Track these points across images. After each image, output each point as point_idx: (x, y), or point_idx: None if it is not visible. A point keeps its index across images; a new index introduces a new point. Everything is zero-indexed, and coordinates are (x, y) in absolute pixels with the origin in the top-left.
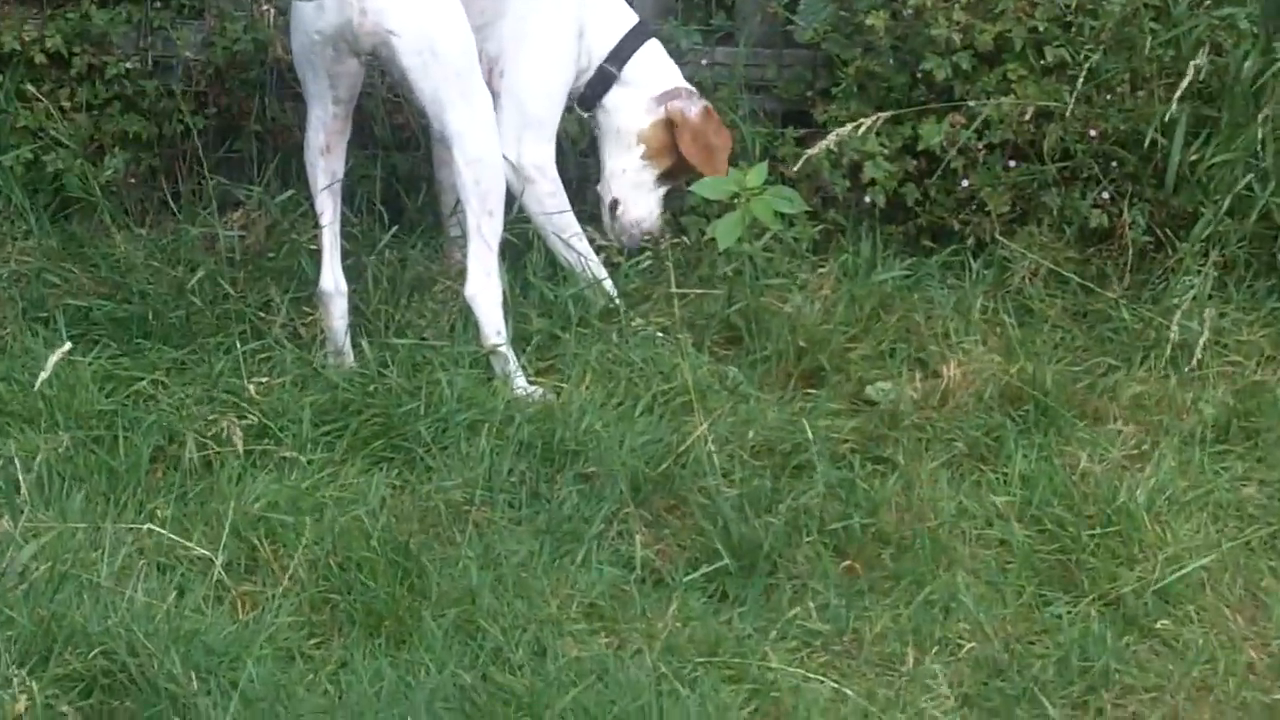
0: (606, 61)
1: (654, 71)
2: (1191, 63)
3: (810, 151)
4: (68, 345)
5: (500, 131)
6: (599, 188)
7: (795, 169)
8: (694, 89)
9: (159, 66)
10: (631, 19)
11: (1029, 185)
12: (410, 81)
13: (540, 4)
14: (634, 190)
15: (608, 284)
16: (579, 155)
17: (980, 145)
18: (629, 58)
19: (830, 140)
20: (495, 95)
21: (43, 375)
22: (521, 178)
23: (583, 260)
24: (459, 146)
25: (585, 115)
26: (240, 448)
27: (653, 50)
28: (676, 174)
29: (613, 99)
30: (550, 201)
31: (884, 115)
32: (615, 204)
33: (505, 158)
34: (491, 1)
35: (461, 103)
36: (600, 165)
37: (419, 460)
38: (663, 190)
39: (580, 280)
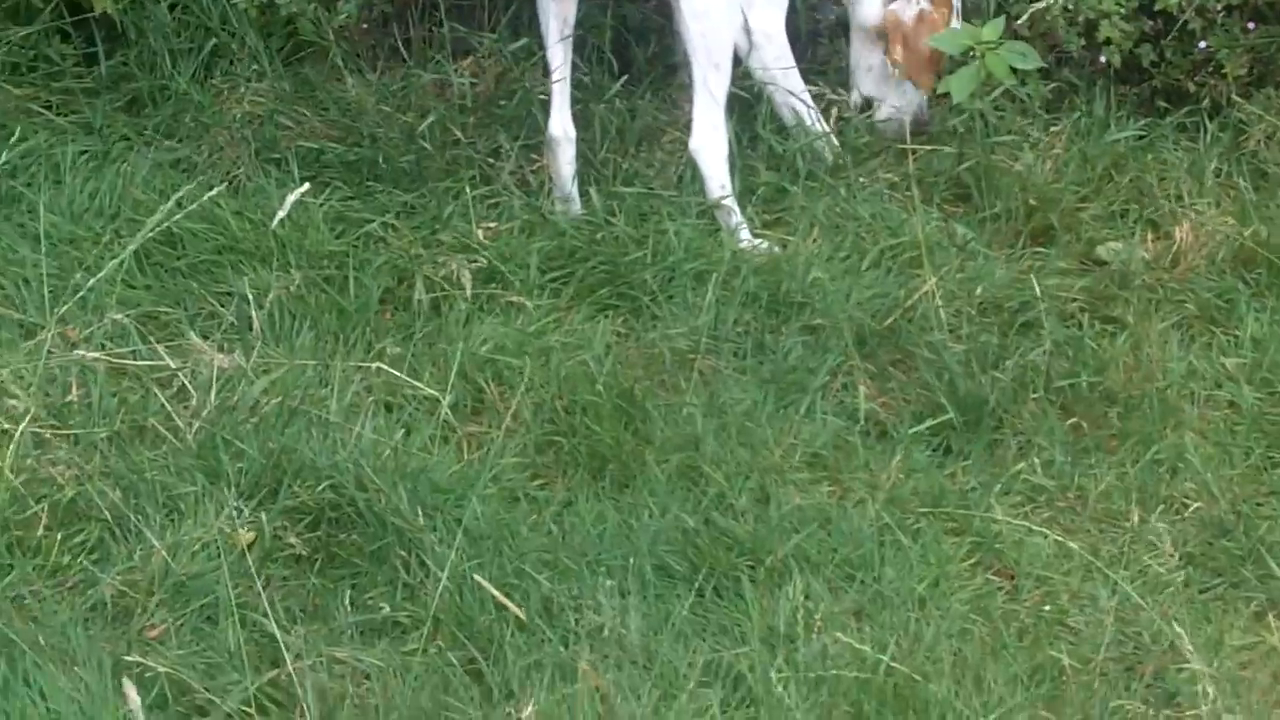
0: None
1: None
2: None
3: (1037, 5)
4: (305, 186)
5: None
6: (851, 84)
7: (1028, 25)
8: None
9: None
10: None
11: (1268, 48)
12: None
13: None
14: (882, 84)
15: (834, 141)
16: (811, 7)
17: (1219, 6)
18: None
19: None
20: None
21: (279, 214)
22: (750, 41)
23: (811, 116)
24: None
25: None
26: (469, 290)
27: None
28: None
29: None
30: (776, 66)
31: None
32: (868, 101)
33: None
34: None
35: None
36: (848, 58)
37: (644, 308)
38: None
39: (808, 136)
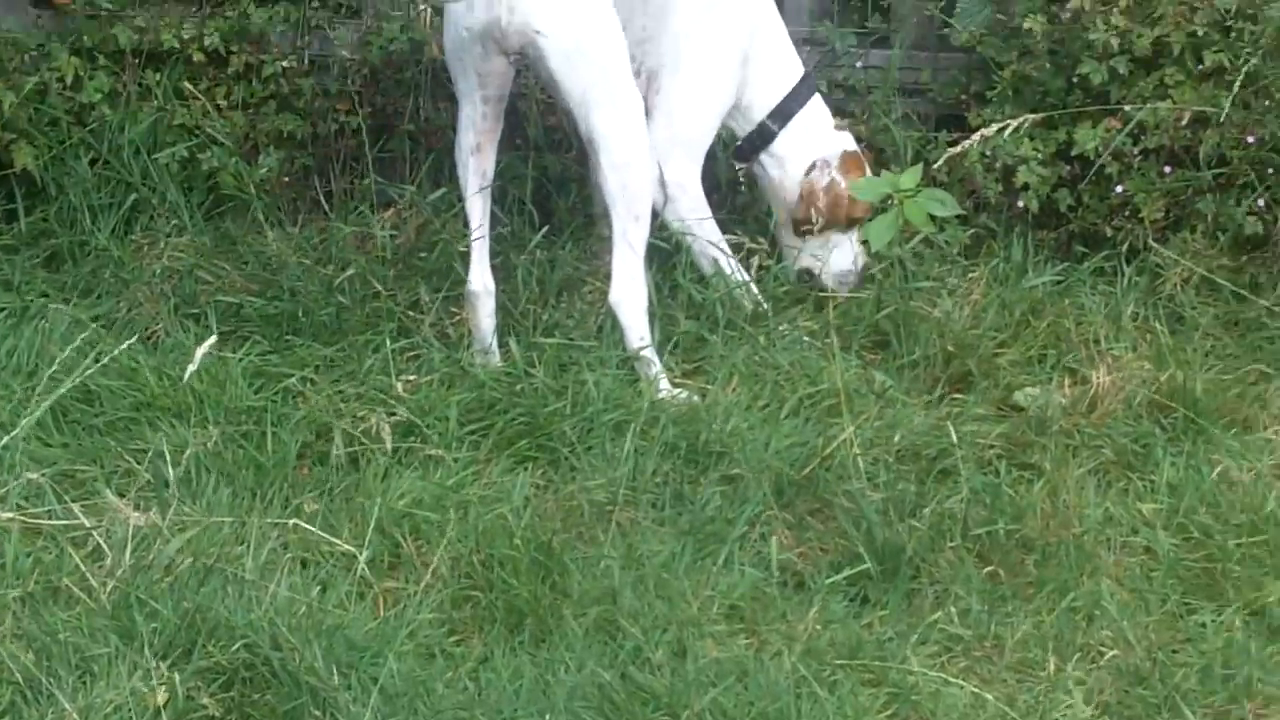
0: (769, 118)
1: (810, 138)
2: None
3: (953, 150)
4: (213, 338)
5: (653, 142)
6: (784, 258)
7: (946, 171)
8: (837, 145)
9: (315, 65)
10: (798, 71)
11: (1184, 191)
12: (558, 82)
13: (704, 25)
14: (819, 253)
15: (754, 289)
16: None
17: (1135, 151)
18: (792, 116)
19: (976, 139)
20: (649, 110)
21: (191, 368)
22: (665, 194)
23: (729, 265)
24: (605, 150)
25: (739, 166)
26: (388, 445)
27: (815, 108)
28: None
29: (770, 160)
30: (692, 218)
31: (1033, 116)
32: (807, 273)
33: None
34: (653, 18)
35: (609, 105)
36: (774, 230)
37: (563, 460)
38: (853, 231)
39: (726, 285)
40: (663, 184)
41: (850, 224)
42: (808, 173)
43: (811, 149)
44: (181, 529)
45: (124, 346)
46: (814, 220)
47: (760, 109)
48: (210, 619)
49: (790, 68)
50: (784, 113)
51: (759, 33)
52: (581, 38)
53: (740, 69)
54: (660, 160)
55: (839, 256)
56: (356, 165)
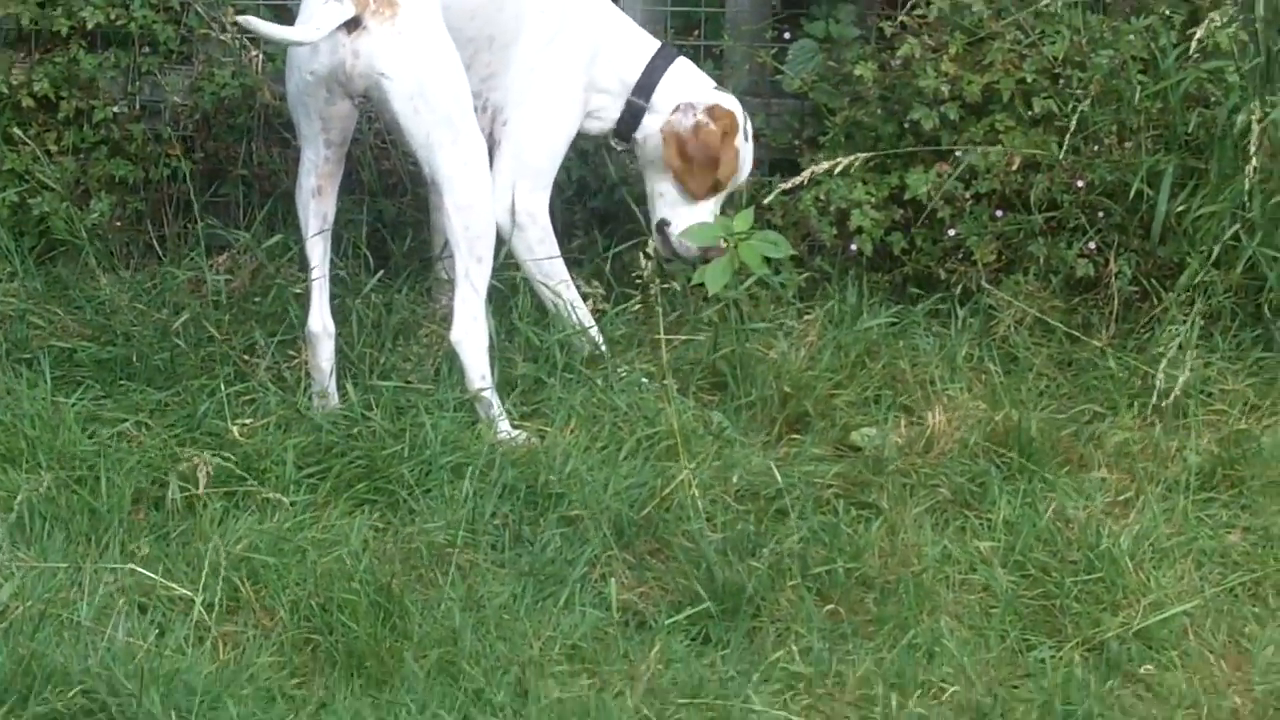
0: (634, 94)
1: (677, 92)
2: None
3: (785, 185)
4: None
5: (496, 174)
6: (648, 210)
7: (780, 215)
8: (711, 99)
9: (146, 111)
10: (652, 46)
11: (1015, 235)
12: (401, 125)
13: (546, 58)
14: (675, 208)
15: (594, 331)
16: (567, 201)
17: (967, 194)
18: (655, 85)
19: (806, 176)
20: (496, 142)
21: None
22: (513, 223)
23: (569, 306)
24: (449, 192)
25: (621, 148)
26: (201, 488)
27: (679, 71)
28: (723, 182)
29: (644, 128)
30: (539, 248)
31: (864, 155)
32: (663, 224)
33: (498, 201)
34: (497, 54)
35: (452, 147)
36: (645, 193)
37: (402, 503)
38: (712, 200)
39: (566, 326)
40: (512, 213)
41: (715, 188)
42: (672, 113)
43: (679, 98)
44: (14, 575)
45: None
46: (681, 165)
47: (623, 90)
48: (46, 665)
49: (640, 46)
50: (646, 85)
51: (602, 47)
52: (425, 80)
53: (584, 95)
54: (507, 190)
55: (696, 214)
56: (189, 210)
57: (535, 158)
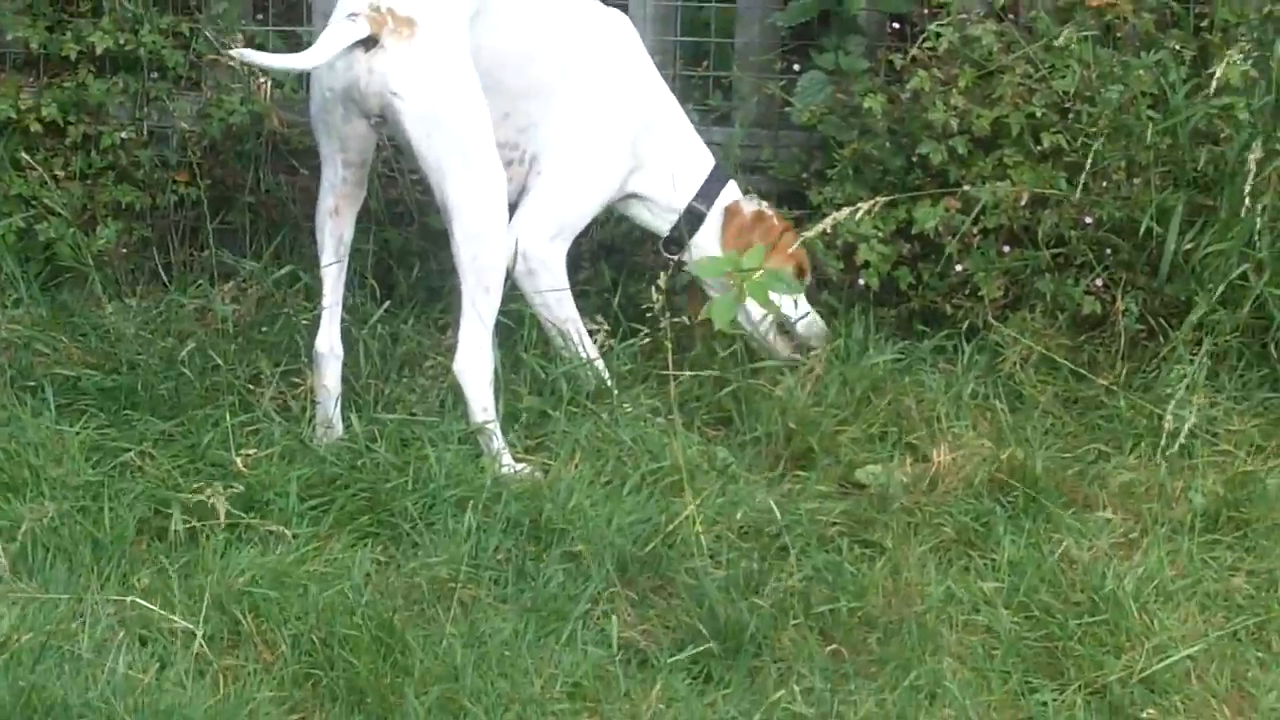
0: (696, 200)
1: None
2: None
3: (806, 234)
4: None
5: (523, 216)
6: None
7: (790, 250)
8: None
9: (154, 137)
10: (709, 160)
11: (1023, 271)
12: (413, 148)
13: (589, 115)
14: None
15: (600, 365)
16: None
17: (975, 230)
18: (716, 195)
19: (827, 224)
20: (527, 190)
21: None
22: (528, 266)
23: (577, 343)
24: (457, 220)
25: (673, 259)
26: (222, 518)
27: (732, 190)
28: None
29: (702, 236)
30: (551, 294)
31: (881, 200)
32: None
33: (517, 243)
34: (538, 106)
35: (464, 174)
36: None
37: (405, 536)
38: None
39: (572, 360)
40: (526, 257)
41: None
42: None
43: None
44: (16, 605)
45: None
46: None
47: (684, 198)
48: (46, 698)
49: (702, 156)
50: (708, 194)
51: (654, 127)
52: (439, 104)
53: (625, 161)
54: (531, 237)
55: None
56: (196, 237)
57: (567, 214)
